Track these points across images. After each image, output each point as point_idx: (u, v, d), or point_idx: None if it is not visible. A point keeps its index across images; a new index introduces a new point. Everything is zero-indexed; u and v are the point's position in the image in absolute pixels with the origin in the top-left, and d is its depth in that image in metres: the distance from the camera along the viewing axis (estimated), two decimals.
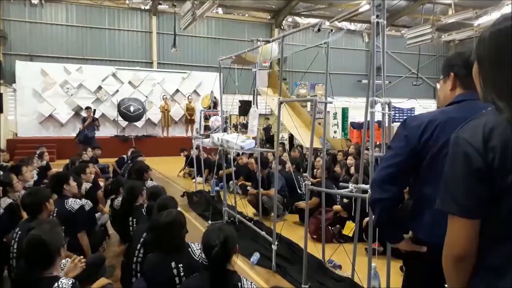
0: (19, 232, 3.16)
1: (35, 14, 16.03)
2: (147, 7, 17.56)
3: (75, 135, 11.71)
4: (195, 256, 2.65)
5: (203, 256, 2.56)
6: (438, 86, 1.93)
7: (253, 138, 4.86)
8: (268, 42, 4.52)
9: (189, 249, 2.67)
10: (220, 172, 6.85)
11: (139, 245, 3.18)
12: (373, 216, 1.86)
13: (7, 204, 3.92)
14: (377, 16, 3.17)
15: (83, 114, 11.31)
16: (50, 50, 16.00)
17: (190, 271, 2.50)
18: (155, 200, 3.46)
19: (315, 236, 4.88)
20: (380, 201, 1.76)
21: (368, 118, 3.22)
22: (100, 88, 15.74)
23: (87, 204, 4.03)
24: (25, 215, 3.53)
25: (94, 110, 11.75)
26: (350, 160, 6.53)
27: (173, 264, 2.56)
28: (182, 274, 2.53)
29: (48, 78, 15.09)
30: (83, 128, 11.04)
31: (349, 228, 4.64)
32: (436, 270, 1.37)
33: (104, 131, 15.38)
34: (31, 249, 2.20)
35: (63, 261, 2.57)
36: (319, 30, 3.74)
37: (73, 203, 3.81)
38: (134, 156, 7.59)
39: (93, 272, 3.12)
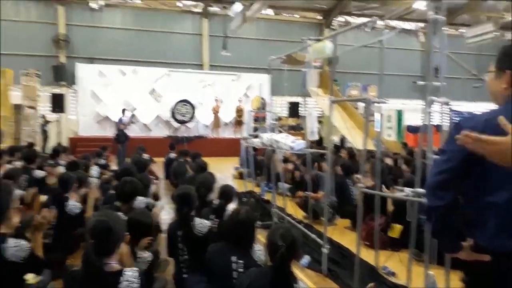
0: None
1: (95, 19, 16.91)
2: (199, 10, 17.97)
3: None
4: (254, 255, 2.67)
5: (262, 258, 2.57)
6: (486, 77, 1.76)
7: (303, 139, 4.80)
8: (319, 41, 4.44)
9: (251, 249, 2.70)
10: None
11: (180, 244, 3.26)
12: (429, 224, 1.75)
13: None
14: (435, 12, 3.03)
15: (127, 115, 11.60)
16: (107, 53, 16.76)
17: (247, 270, 2.51)
18: (226, 200, 3.50)
19: (367, 243, 4.72)
20: (434, 209, 1.65)
21: (426, 119, 3.07)
22: (153, 89, 16.34)
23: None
24: None
25: (133, 114, 12.01)
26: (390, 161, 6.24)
27: (233, 258, 2.59)
28: (240, 270, 2.56)
29: (105, 80, 15.88)
30: (123, 128, 11.32)
31: (396, 230, 4.46)
32: (504, 280, 1.26)
33: (157, 132, 16.00)
34: (96, 233, 2.19)
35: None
36: (372, 28, 3.63)
37: (140, 203, 3.96)
38: (195, 155, 7.71)
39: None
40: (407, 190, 3.16)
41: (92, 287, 2.11)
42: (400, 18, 19.03)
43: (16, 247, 2.55)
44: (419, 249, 3.86)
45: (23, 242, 2.62)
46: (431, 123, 3.09)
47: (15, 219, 3.11)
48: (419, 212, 3.24)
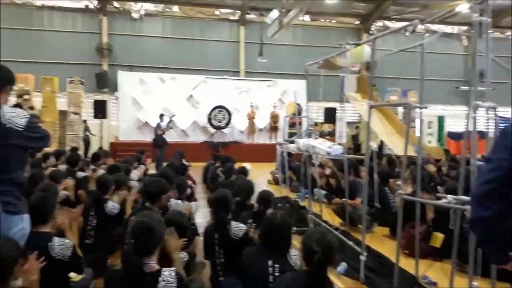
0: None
1: (136, 28, 17.51)
2: (236, 18, 18.20)
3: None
4: (290, 260, 2.65)
5: (298, 262, 2.54)
6: None
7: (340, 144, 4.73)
8: (358, 45, 4.38)
9: (287, 253, 2.69)
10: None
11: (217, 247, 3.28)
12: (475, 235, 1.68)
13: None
14: (480, 14, 2.92)
15: (165, 120, 11.82)
16: (147, 61, 17.25)
17: (283, 274, 2.50)
18: (265, 205, 3.51)
19: (406, 251, 4.57)
20: (480, 219, 1.58)
21: (470, 125, 2.95)
22: (191, 96, 16.67)
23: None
24: None
25: (170, 119, 12.21)
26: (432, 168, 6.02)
27: (270, 262, 2.59)
28: (276, 274, 2.55)
29: (146, 87, 16.35)
30: (161, 133, 11.53)
31: (438, 240, 4.29)
32: None
33: (194, 137, 16.29)
34: (137, 233, 2.24)
35: None
36: (413, 31, 3.54)
37: (175, 206, 4.04)
38: (226, 160, 7.78)
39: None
40: (450, 197, 3.04)
41: (131, 286, 2.17)
42: (442, 21, 18.47)
43: (61, 245, 2.64)
44: (462, 259, 3.70)
45: (67, 241, 2.72)
46: (475, 129, 2.96)
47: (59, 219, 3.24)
48: (461, 220, 3.11)
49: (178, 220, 3.03)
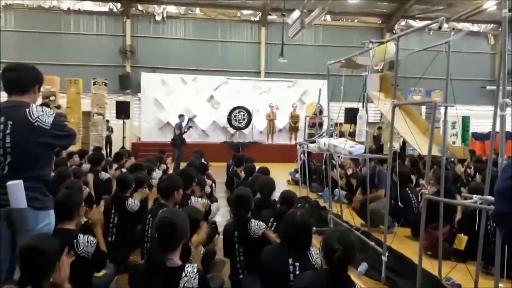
0: (151, 218, 3.45)
1: (158, 30, 17.75)
2: (257, 19, 18.25)
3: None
4: (312, 259, 2.64)
5: (319, 261, 2.53)
6: None
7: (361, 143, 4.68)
8: (381, 43, 4.32)
9: (308, 251, 2.68)
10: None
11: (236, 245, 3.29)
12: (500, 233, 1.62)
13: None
14: (510, 10, 2.84)
15: (185, 120, 11.92)
16: (169, 62, 17.48)
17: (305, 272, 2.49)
18: (288, 205, 3.52)
19: (429, 253, 4.48)
20: (504, 214, 1.53)
21: (498, 124, 2.87)
22: (212, 97, 16.80)
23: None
24: None
25: (189, 119, 12.31)
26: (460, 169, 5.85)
27: (290, 260, 2.59)
28: (297, 272, 2.55)
29: (167, 88, 16.57)
30: (180, 134, 11.65)
31: (462, 242, 4.19)
32: None
33: (214, 137, 16.40)
34: (161, 229, 2.28)
35: None
36: (440, 27, 3.46)
37: (195, 203, 4.08)
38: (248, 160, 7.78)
39: (203, 263, 3.27)
40: (476, 197, 2.96)
41: (155, 281, 2.19)
42: (468, 20, 18.05)
43: (85, 242, 2.70)
44: (487, 260, 3.61)
45: (91, 238, 2.77)
46: (503, 128, 2.87)
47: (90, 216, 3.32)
48: (487, 221, 3.03)
49: (191, 215, 3.06)
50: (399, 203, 5.52)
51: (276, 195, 4.32)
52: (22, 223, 2.54)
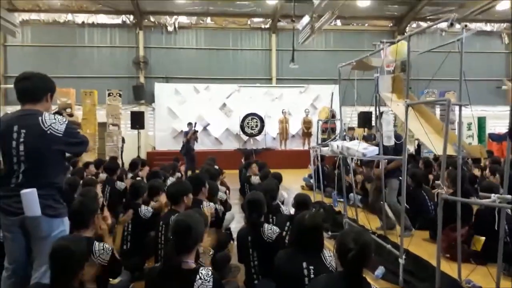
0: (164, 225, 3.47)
1: (170, 40, 17.97)
2: (267, 26, 18.33)
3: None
4: (326, 262, 2.61)
5: (333, 264, 2.51)
6: None
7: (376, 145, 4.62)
8: (392, 43, 4.28)
9: (321, 254, 2.65)
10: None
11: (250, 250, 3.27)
12: None
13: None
14: None
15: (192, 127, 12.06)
16: (182, 72, 17.65)
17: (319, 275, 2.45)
18: (302, 209, 3.49)
19: (447, 255, 4.38)
20: None
21: None
22: (224, 104, 16.89)
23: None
24: None
25: (195, 123, 12.39)
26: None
27: (304, 264, 2.57)
28: (312, 276, 2.52)
29: (180, 97, 16.72)
30: (186, 141, 11.74)
31: (479, 243, 4.09)
32: None
33: (228, 145, 16.44)
34: (176, 232, 2.29)
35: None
36: (452, 24, 3.42)
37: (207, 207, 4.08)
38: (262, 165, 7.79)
39: (217, 268, 3.26)
40: (495, 196, 2.89)
41: (170, 284, 2.20)
42: (481, 19, 17.81)
43: (101, 250, 2.71)
44: (508, 262, 3.52)
45: (107, 245, 2.78)
46: None
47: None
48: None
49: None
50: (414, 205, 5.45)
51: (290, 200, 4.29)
52: (36, 231, 2.57)
